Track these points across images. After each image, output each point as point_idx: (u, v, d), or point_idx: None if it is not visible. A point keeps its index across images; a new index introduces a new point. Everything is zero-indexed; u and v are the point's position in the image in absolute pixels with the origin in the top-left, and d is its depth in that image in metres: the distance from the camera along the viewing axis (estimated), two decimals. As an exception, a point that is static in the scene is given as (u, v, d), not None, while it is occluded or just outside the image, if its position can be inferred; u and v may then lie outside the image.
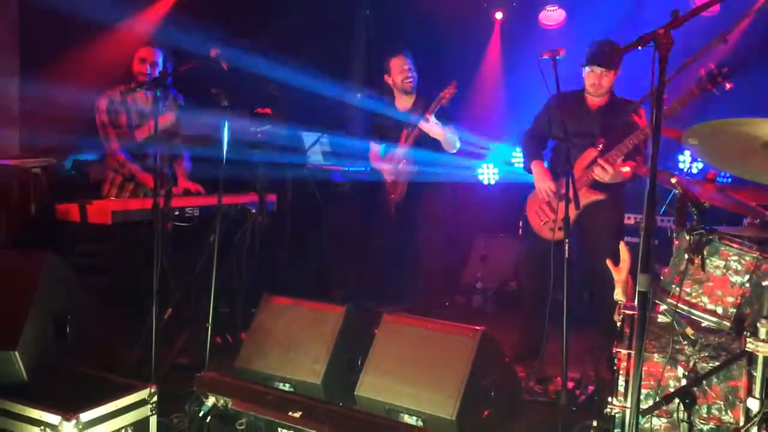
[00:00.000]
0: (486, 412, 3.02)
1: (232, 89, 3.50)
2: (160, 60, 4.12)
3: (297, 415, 2.73)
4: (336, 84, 5.52)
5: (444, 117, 4.39)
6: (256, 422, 2.78)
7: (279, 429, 2.72)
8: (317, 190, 5.00)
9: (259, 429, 2.78)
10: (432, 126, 4.33)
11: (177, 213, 3.72)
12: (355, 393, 3.05)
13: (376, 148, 4.71)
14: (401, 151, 4.48)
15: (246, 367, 3.37)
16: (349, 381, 3.14)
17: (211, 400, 2.91)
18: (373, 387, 3.04)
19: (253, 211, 4.02)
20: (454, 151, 4.49)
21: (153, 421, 2.62)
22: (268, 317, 3.50)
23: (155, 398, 2.62)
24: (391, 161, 4.54)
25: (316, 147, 5.36)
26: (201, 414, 2.88)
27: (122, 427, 2.51)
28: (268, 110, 4.12)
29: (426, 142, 4.43)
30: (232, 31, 4.33)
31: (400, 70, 4.49)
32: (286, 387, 3.25)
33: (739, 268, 2.26)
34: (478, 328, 3.02)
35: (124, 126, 4.16)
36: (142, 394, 2.60)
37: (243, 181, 4.08)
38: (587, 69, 3.86)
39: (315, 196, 5.02)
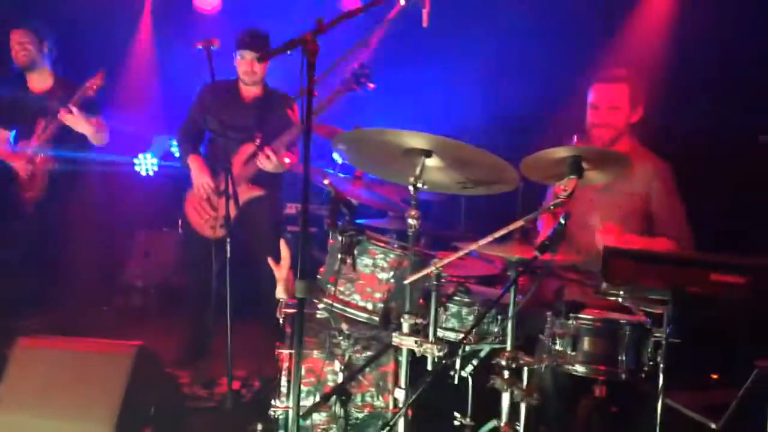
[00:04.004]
0: (147, 432, 2.79)
1: None
2: None
3: None
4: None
5: (92, 108, 3.92)
6: None
7: None
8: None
9: None
10: (77, 119, 3.83)
11: None
12: (-18, 439, 2.55)
13: (4, 135, 4.01)
14: (38, 143, 3.88)
15: None
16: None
17: None
18: (7, 427, 2.57)
19: None
20: (104, 144, 4.05)
21: None
22: None
23: None
24: (25, 153, 3.91)
25: None
26: None
27: None
28: None
29: (69, 134, 3.90)
30: None
31: (15, 45, 3.92)
32: None
33: (385, 265, 2.41)
34: (133, 343, 2.76)
35: None
36: None
37: None
38: (239, 56, 3.79)
39: None
